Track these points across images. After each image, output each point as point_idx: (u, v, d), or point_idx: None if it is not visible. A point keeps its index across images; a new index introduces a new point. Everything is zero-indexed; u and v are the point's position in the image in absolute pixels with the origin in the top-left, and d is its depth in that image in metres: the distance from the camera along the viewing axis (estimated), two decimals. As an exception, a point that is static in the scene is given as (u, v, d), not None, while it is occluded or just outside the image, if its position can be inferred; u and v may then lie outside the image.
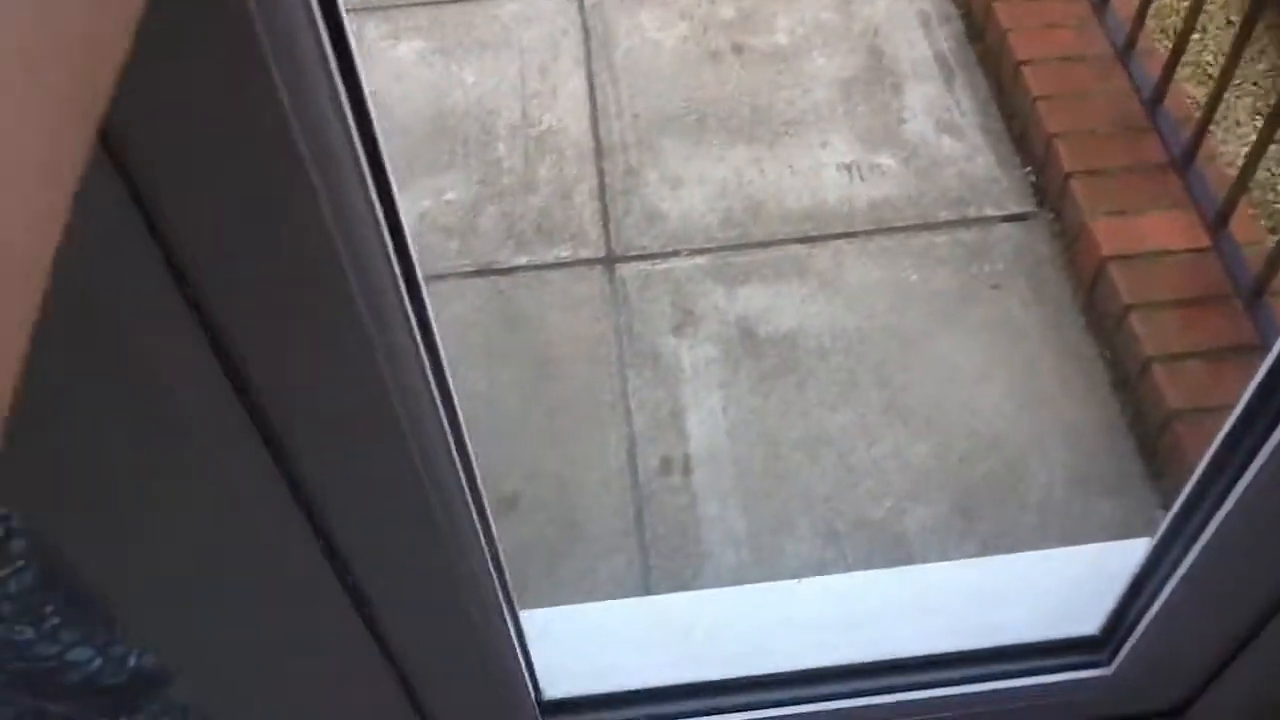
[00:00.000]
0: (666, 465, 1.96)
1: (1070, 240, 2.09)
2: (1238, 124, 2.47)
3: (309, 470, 0.85)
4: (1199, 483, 1.13)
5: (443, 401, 0.94)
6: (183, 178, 0.63)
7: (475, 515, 1.11)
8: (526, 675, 1.33)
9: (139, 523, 0.80)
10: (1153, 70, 2.15)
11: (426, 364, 0.90)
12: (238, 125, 0.61)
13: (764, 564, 1.83)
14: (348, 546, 0.97)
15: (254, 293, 0.71)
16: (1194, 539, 1.12)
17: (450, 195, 2.40)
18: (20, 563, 0.69)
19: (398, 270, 0.80)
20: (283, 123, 0.62)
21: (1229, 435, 1.08)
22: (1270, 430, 1.00)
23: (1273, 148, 2.39)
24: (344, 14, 0.68)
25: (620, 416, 2.03)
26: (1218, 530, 1.09)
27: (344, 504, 0.93)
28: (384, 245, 0.77)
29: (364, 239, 0.75)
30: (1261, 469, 1.02)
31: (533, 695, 1.35)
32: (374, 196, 0.75)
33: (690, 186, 2.35)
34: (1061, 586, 1.51)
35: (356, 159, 0.70)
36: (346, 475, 0.90)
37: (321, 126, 0.66)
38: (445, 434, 0.97)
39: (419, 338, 0.85)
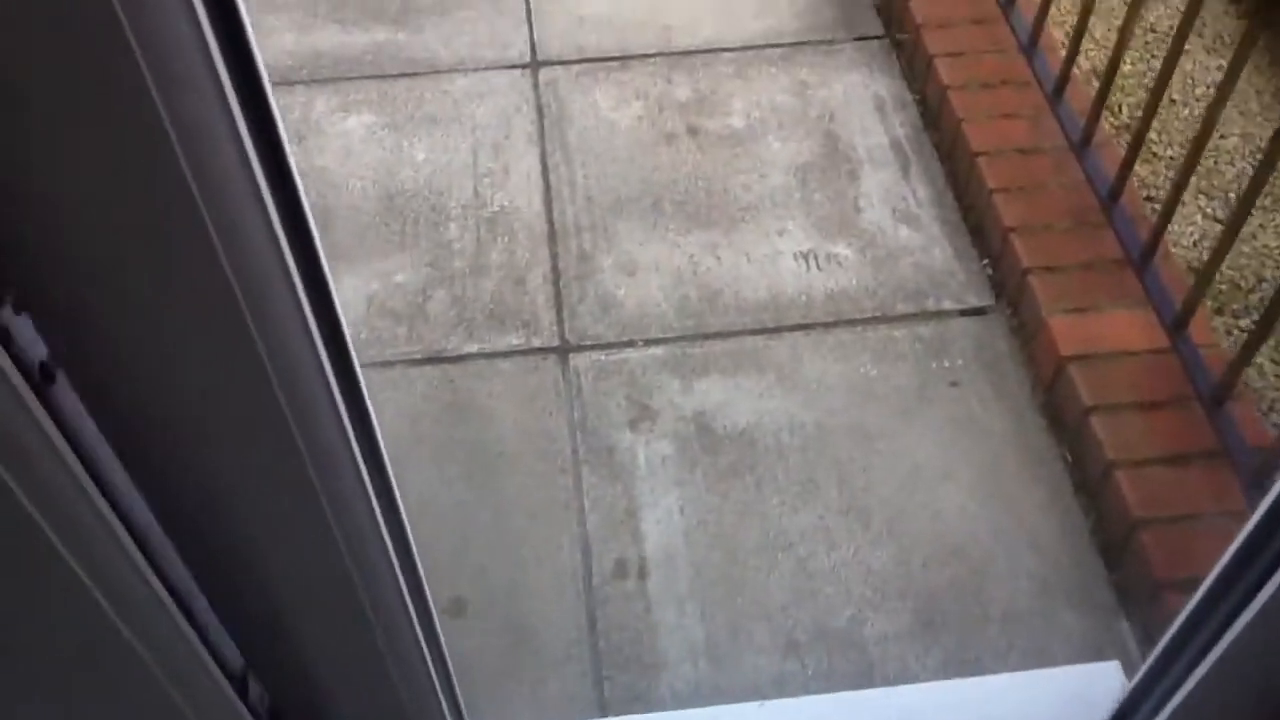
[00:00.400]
0: (621, 568, 1.90)
1: (1029, 337, 2.07)
2: (1182, 204, 2.48)
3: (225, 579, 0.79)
4: (1179, 633, 1.09)
5: (387, 521, 0.88)
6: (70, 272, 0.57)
7: (425, 641, 1.04)
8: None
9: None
10: (1108, 163, 2.15)
11: (372, 493, 0.84)
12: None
13: (722, 676, 1.77)
14: (285, 664, 0.90)
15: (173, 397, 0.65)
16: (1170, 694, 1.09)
17: (399, 278, 2.34)
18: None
19: (332, 376, 0.74)
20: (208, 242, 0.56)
21: (1212, 588, 1.04)
22: (1255, 590, 0.97)
23: (1213, 224, 2.41)
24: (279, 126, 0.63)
25: (573, 516, 1.96)
26: (1191, 691, 1.06)
27: (276, 617, 0.86)
28: (314, 347, 0.70)
29: (293, 346, 0.68)
30: (1244, 629, 0.98)
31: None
32: (304, 298, 0.69)
33: (646, 273, 2.31)
34: (1030, 712, 1.47)
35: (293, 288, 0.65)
36: (278, 587, 0.83)
37: (250, 248, 0.61)
38: (388, 550, 0.91)
39: (361, 458, 0.79)
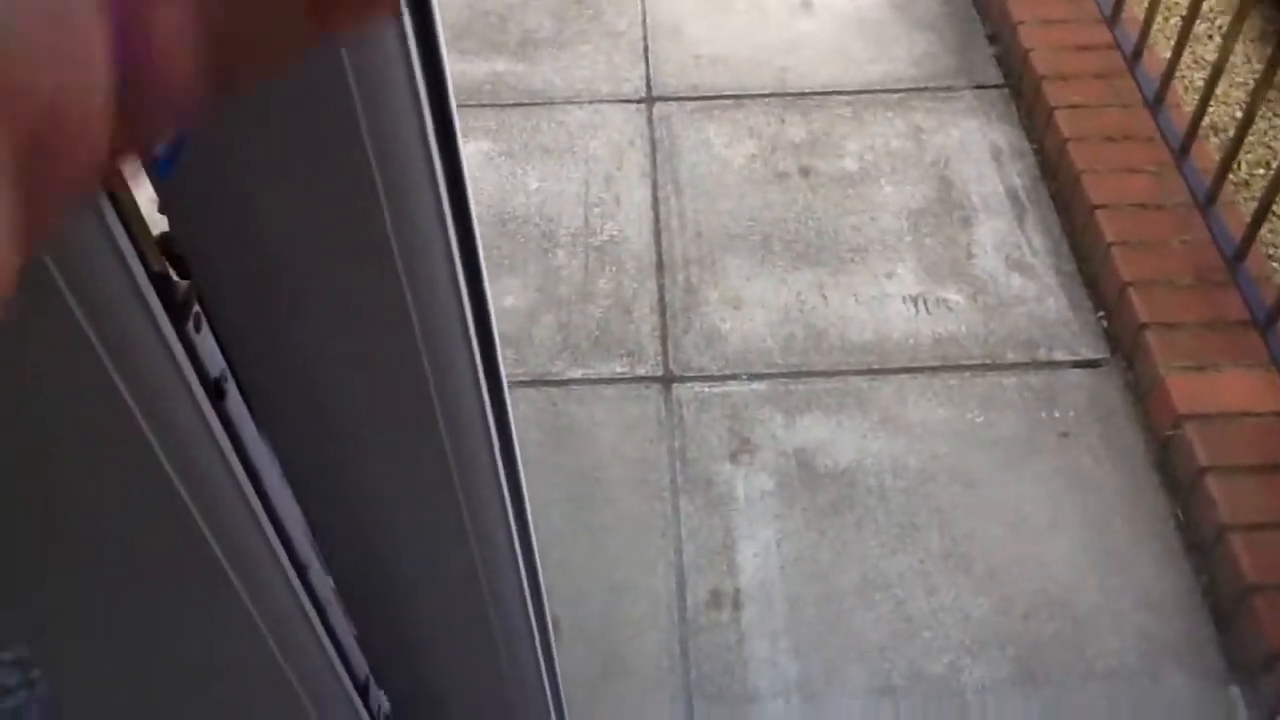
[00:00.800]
0: (716, 599, 1.89)
1: (1143, 393, 2.03)
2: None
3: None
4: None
5: (520, 539, 0.90)
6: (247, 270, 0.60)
7: (543, 663, 1.05)
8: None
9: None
10: (1233, 224, 2.11)
11: (510, 509, 0.85)
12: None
13: (814, 714, 1.75)
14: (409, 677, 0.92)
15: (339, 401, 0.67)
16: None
17: (508, 301, 2.38)
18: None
19: (486, 395, 0.76)
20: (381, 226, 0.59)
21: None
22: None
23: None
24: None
25: (670, 544, 1.97)
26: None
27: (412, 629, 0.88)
28: (474, 366, 0.72)
29: (456, 365, 0.70)
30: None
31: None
32: (470, 318, 0.71)
33: (752, 308, 2.32)
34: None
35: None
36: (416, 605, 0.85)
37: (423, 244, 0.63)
38: (519, 567, 0.92)
39: (501, 466, 0.81)
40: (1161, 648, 1.75)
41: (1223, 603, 1.76)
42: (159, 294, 0.54)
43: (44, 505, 0.57)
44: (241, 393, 0.66)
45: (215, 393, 0.61)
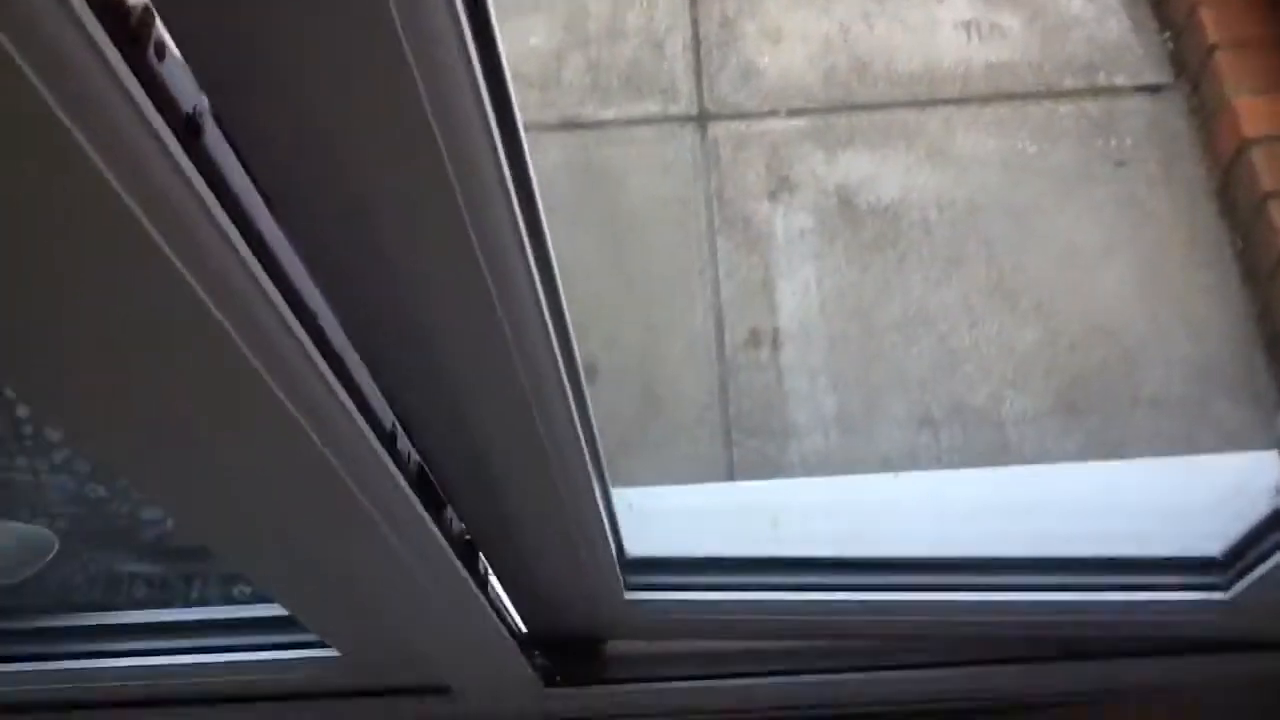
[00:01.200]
0: (755, 338, 1.87)
1: (1208, 117, 1.92)
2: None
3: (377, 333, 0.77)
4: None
5: (539, 268, 0.85)
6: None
7: (572, 398, 1.03)
8: (610, 534, 1.28)
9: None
10: (1318, -72, 1.93)
11: (520, 221, 0.80)
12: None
13: (853, 447, 1.75)
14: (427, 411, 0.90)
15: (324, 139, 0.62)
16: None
17: (533, 40, 2.27)
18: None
19: (491, 116, 0.70)
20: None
21: None
22: None
23: None
24: None
25: (707, 284, 1.93)
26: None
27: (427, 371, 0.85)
28: (477, 91, 0.66)
29: (454, 84, 0.64)
30: None
31: (614, 551, 1.31)
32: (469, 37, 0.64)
33: (791, 41, 2.20)
34: (1177, 498, 1.41)
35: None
36: (432, 344, 0.82)
37: None
38: (540, 300, 0.89)
39: (513, 192, 0.76)
40: (1211, 376, 1.71)
41: (1278, 331, 1.71)
42: (102, 16, 0.47)
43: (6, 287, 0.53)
44: (224, 131, 0.59)
45: (189, 130, 0.55)
